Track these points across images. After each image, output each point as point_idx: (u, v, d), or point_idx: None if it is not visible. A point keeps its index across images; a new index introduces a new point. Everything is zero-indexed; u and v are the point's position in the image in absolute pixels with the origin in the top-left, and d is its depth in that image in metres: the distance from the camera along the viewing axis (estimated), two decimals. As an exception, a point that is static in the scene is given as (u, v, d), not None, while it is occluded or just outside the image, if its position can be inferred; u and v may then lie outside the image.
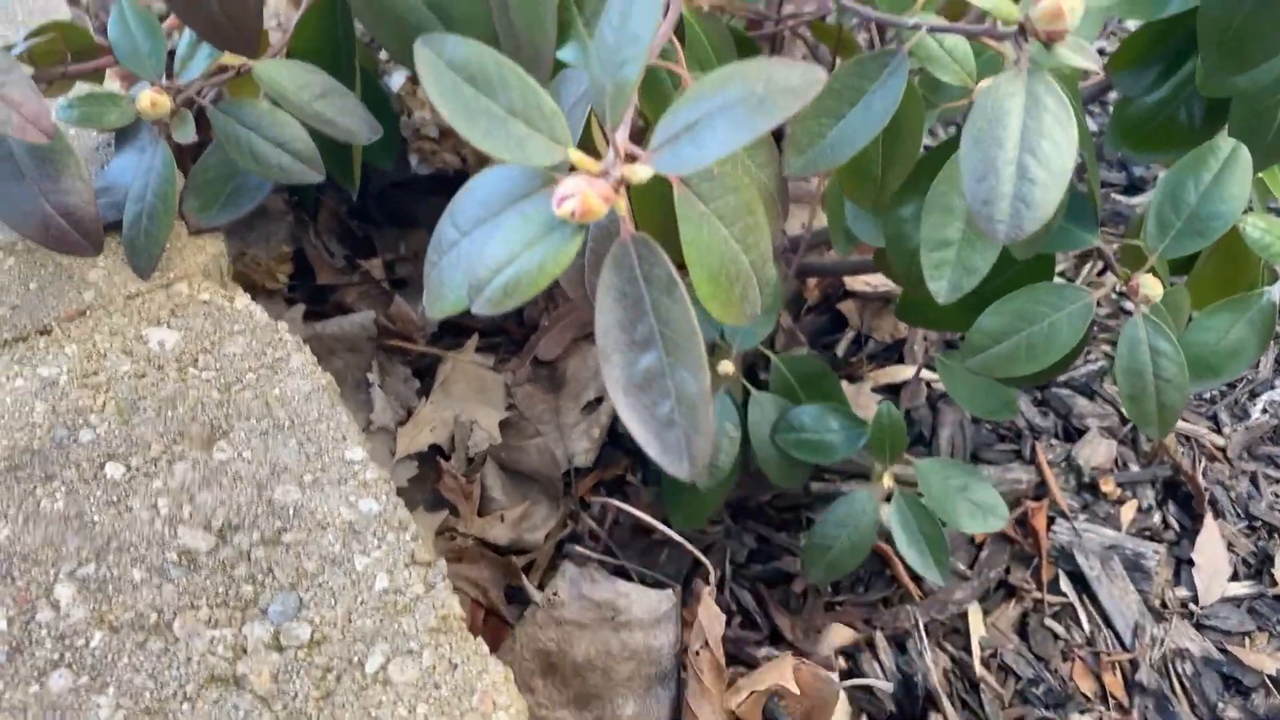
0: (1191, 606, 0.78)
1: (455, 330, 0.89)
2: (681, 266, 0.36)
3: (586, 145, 0.40)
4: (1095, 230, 0.57)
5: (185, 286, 0.64)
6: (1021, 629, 0.77)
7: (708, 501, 0.72)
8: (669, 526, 0.73)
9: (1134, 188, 1.10)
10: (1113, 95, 0.71)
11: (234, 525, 0.53)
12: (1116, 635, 0.76)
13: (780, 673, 0.66)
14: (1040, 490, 0.84)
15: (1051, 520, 0.82)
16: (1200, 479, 0.85)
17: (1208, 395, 0.92)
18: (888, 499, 0.69)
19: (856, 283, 0.96)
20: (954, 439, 0.86)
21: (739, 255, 0.40)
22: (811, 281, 0.97)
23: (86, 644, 0.48)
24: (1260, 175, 0.61)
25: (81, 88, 0.66)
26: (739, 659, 0.73)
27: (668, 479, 0.74)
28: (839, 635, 0.74)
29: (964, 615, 0.76)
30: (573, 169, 0.35)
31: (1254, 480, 0.86)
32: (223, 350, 0.61)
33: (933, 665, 0.73)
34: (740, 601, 0.77)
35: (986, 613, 0.77)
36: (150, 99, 0.61)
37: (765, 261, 0.41)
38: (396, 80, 0.90)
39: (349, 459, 0.56)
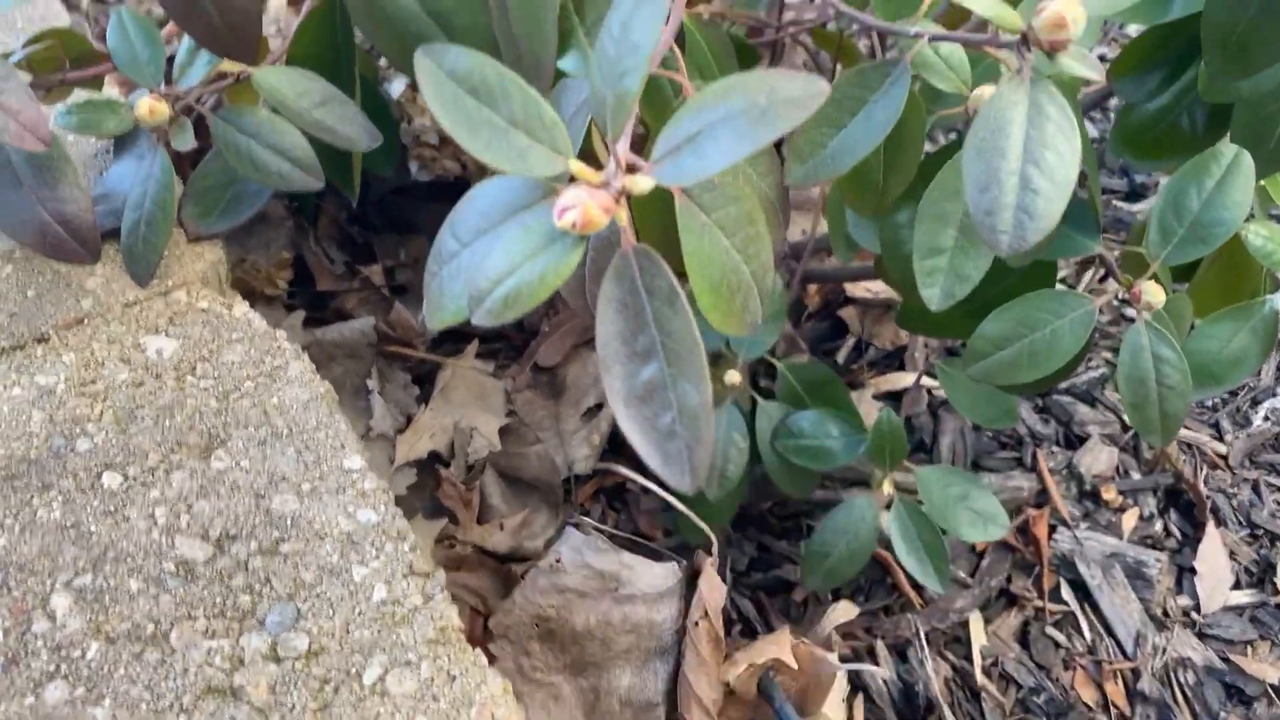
0: (1193, 615, 0.78)
1: (455, 336, 0.89)
2: (682, 276, 0.36)
3: (587, 155, 0.40)
4: (1097, 237, 0.57)
5: (183, 294, 0.64)
6: (1023, 637, 0.77)
7: (718, 513, 0.72)
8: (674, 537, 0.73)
9: (1135, 194, 1.10)
10: (1114, 101, 0.71)
11: (231, 535, 0.53)
12: (1118, 644, 0.76)
13: (779, 646, 0.65)
14: (1041, 498, 0.83)
15: (1053, 528, 0.81)
16: (1202, 487, 0.85)
17: (1209, 403, 0.92)
18: (888, 506, 0.68)
19: (857, 289, 0.96)
20: (955, 446, 0.86)
21: (740, 266, 0.40)
22: (812, 288, 0.96)
23: (83, 655, 0.48)
24: (1263, 182, 0.61)
25: (80, 95, 0.66)
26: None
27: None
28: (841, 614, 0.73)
29: (965, 624, 0.76)
30: (573, 180, 0.35)
31: (1256, 488, 0.86)
32: (221, 358, 0.61)
33: (934, 674, 0.73)
34: (741, 610, 0.76)
35: (988, 621, 0.77)
36: (149, 106, 0.61)
37: (766, 271, 0.41)
38: (396, 87, 0.90)
39: (347, 468, 0.56)
